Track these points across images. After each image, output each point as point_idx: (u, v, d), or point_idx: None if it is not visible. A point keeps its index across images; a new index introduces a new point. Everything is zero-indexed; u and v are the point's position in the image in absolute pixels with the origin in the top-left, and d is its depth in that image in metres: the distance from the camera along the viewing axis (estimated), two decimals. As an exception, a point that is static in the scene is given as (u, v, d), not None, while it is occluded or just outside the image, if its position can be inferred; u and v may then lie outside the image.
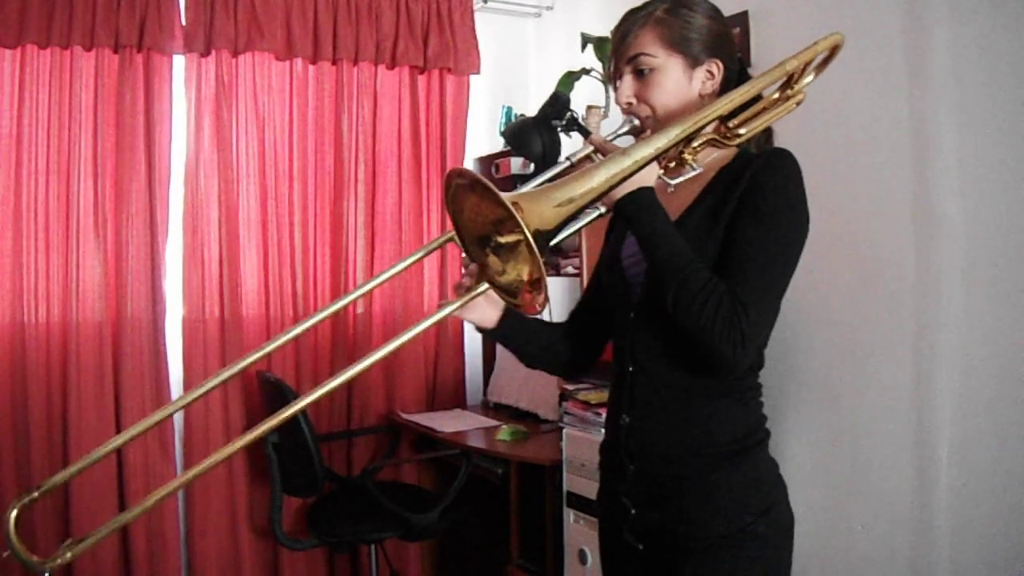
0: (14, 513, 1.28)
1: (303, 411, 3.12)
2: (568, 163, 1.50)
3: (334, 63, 3.86)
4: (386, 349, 1.32)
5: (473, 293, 1.39)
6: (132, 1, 3.45)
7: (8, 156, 3.36)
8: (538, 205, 1.25)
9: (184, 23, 3.59)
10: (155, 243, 3.54)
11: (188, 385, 3.61)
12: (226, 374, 1.44)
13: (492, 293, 1.40)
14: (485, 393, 4.11)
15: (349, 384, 3.86)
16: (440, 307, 1.43)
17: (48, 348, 3.42)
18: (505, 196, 1.21)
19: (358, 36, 3.86)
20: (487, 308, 1.61)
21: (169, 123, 3.59)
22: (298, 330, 1.50)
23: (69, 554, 1.23)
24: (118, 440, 1.43)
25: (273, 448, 3.34)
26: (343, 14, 3.83)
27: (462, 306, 1.42)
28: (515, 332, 1.70)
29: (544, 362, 1.81)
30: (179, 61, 3.62)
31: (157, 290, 3.55)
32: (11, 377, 3.37)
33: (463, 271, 1.45)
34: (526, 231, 1.19)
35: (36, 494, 1.35)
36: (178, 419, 3.62)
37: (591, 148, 1.49)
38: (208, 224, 3.66)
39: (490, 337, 1.68)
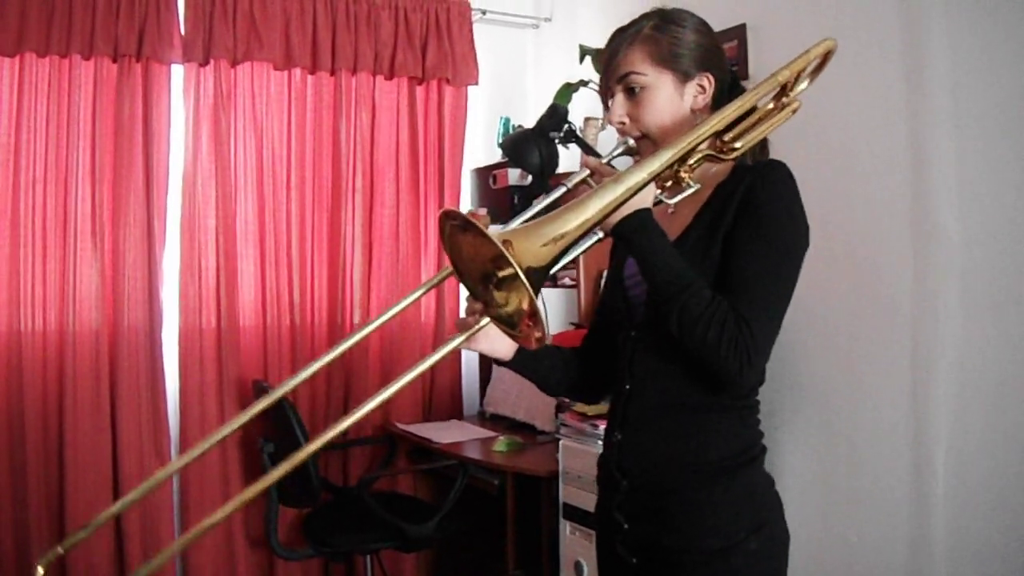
0: (41, 571, 1.31)
1: (299, 420, 3.13)
2: (564, 188, 1.49)
3: (332, 73, 3.87)
4: (394, 387, 1.33)
5: (477, 326, 1.38)
6: (131, 10, 3.46)
7: (6, 164, 3.36)
8: (530, 242, 1.24)
9: (183, 32, 3.59)
10: (152, 252, 3.54)
11: (184, 395, 3.61)
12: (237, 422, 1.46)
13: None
14: (482, 404, 4.10)
15: (346, 394, 3.88)
16: (447, 340, 1.42)
17: (44, 356, 3.41)
18: (496, 235, 1.21)
19: (356, 46, 3.87)
20: (498, 339, 1.59)
21: (167, 132, 3.59)
22: (311, 371, 1.51)
23: None
24: (126, 499, 1.45)
25: (269, 458, 3.33)
26: (342, 24, 3.84)
27: (468, 339, 1.41)
28: (534, 362, 1.69)
29: (565, 389, 1.80)
30: (178, 70, 3.63)
31: (154, 299, 3.55)
32: (7, 385, 3.36)
33: (466, 307, 1.45)
34: (519, 270, 1.19)
35: (60, 550, 1.36)
36: (174, 433, 3.61)
37: (587, 172, 1.49)
38: (205, 233, 3.66)
39: (510, 368, 1.67)
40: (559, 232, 1.27)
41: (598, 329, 1.80)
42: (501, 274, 1.29)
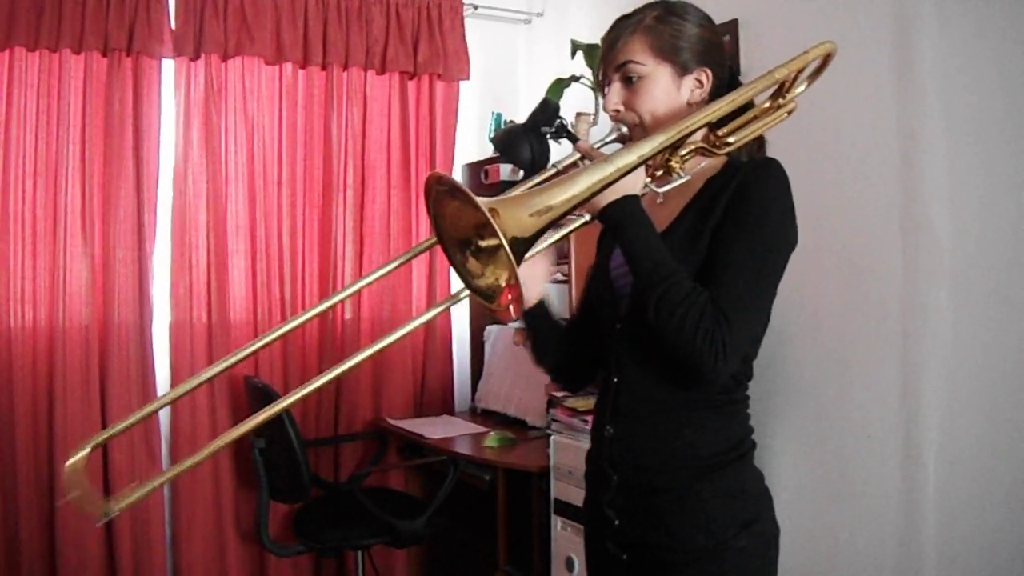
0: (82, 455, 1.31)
1: (290, 416, 3.12)
2: (554, 169, 1.49)
3: (324, 68, 3.86)
4: (385, 342, 1.34)
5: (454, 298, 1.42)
6: (121, 4, 3.45)
7: (-5, 159, 3.35)
8: (516, 212, 1.24)
9: (173, 27, 3.58)
10: (142, 247, 3.53)
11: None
12: (213, 371, 1.45)
13: (539, 272, 1.43)
14: (473, 399, 4.10)
15: (336, 389, 3.87)
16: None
17: (34, 352, 3.41)
18: (483, 202, 1.20)
19: (348, 41, 3.86)
20: (532, 286, 1.65)
21: (157, 127, 3.58)
22: (285, 328, 1.51)
23: (136, 495, 1.27)
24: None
25: (260, 453, 3.32)
26: (333, 19, 3.83)
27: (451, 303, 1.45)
28: (544, 323, 1.75)
29: (556, 363, 1.81)
30: (168, 65, 3.62)
31: (144, 294, 3.54)
32: (-4, 380, 3.36)
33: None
34: (503, 238, 1.18)
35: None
36: (165, 424, 3.61)
37: (578, 155, 1.49)
38: (196, 228, 3.65)
39: (524, 319, 1.71)
40: (546, 204, 1.27)
41: (581, 319, 1.80)
42: (483, 244, 1.29)
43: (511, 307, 1.28)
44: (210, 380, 1.50)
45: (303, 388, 1.33)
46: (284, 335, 1.52)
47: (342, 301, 3.89)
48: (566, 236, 1.45)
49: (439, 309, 1.43)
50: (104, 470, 3.45)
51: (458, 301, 1.42)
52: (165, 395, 1.49)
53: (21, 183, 3.38)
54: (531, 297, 1.69)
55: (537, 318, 1.73)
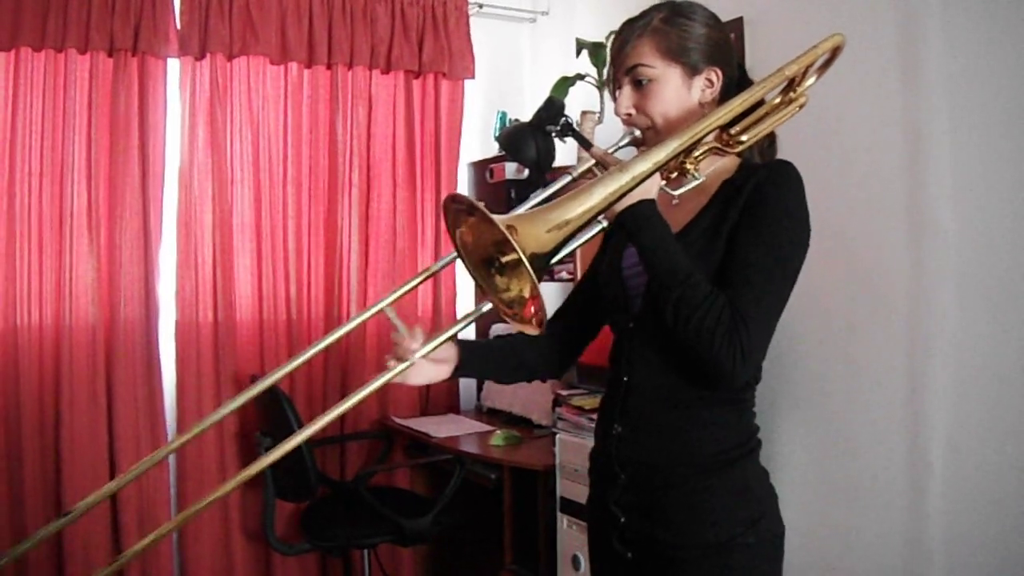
0: None
1: (296, 415, 3.12)
2: (570, 178, 1.50)
3: (329, 67, 3.86)
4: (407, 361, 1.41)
5: (401, 366, 1.50)
6: (127, 4, 3.45)
7: (2, 159, 3.35)
8: (534, 228, 1.25)
9: (179, 26, 3.59)
10: (148, 246, 3.54)
11: (181, 390, 3.60)
12: (229, 407, 1.48)
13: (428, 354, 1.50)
14: (479, 398, 4.11)
15: (342, 389, 3.87)
16: (376, 377, 1.51)
17: (41, 351, 3.41)
18: (501, 220, 1.21)
19: (353, 40, 3.86)
20: (430, 369, 1.63)
21: (163, 127, 3.58)
22: (300, 360, 1.55)
23: None
24: (116, 482, 1.46)
25: (266, 452, 3.32)
26: (338, 18, 3.83)
27: (397, 375, 1.52)
28: (477, 369, 1.74)
29: (520, 378, 1.84)
30: (173, 64, 3.62)
31: (150, 294, 3.54)
32: (3, 380, 3.36)
33: (393, 347, 1.51)
34: (522, 256, 1.19)
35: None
36: (171, 428, 3.61)
37: (592, 162, 1.49)
38: (202, 228, 3.65)
39: (459, 378, 1.71)
40: (563, 219, 1.28)
41: (570, 311, 1.82)
42: (504, 259, 1.30)
43: (534, 320, 1.29)
44: (246, 400, 1.54)
45: (327, 414, 1.44)
46: (324, 348, 1.56)
47: (349, 303, 3.89)
48: (584, 244, 1.46)
49: (463, 325, 1.44)
50: (111, 473, 3.45)
51: (480, 315, 1.43)
52: (222, 408, 1.52)
53: (27, 183, 3.39)
54: (440, 374, 1.65)
55: (466, 370, 1.70)
